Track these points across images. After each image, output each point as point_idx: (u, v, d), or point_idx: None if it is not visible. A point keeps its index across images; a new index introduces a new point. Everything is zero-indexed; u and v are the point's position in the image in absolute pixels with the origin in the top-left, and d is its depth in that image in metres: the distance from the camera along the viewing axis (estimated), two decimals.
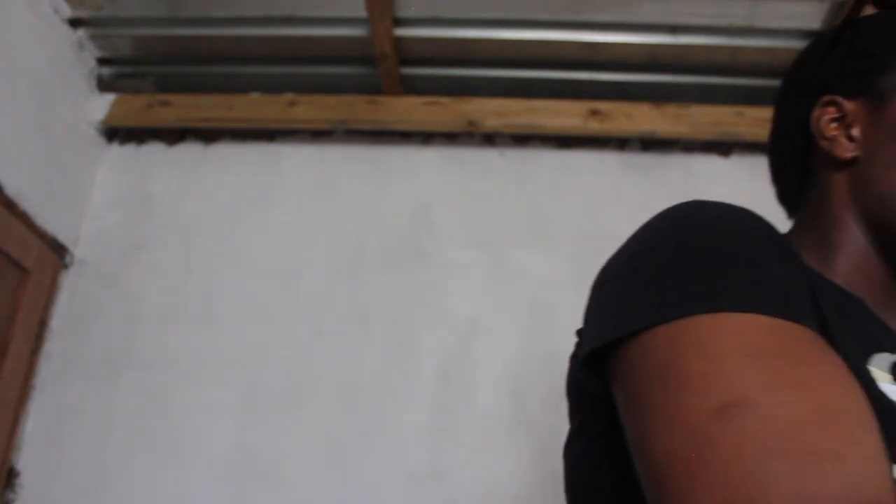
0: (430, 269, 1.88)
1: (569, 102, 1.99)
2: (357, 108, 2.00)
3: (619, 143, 2.03)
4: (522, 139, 2.04)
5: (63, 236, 1.88)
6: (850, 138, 0.62)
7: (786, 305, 0.43)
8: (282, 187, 2.00)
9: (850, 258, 0.61)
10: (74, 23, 1.94)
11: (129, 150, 2.07)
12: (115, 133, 2.09)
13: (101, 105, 2.05)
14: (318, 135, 2.06)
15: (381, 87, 2.00)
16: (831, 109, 0.64)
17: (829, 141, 0.63)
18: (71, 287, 1.89)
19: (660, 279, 0.47)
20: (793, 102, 0.70)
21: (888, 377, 0.45)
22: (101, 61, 2.06)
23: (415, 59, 1.98)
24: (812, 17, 1.79)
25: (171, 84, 2.10)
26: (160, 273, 1.90)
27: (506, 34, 1.89)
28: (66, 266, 1.90)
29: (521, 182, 1.99)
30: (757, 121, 1.92)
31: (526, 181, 1.99)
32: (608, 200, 1.93)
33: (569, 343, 0.63)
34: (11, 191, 1.70)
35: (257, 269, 1.89)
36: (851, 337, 0.48)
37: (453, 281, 1.87)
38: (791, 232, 0.68)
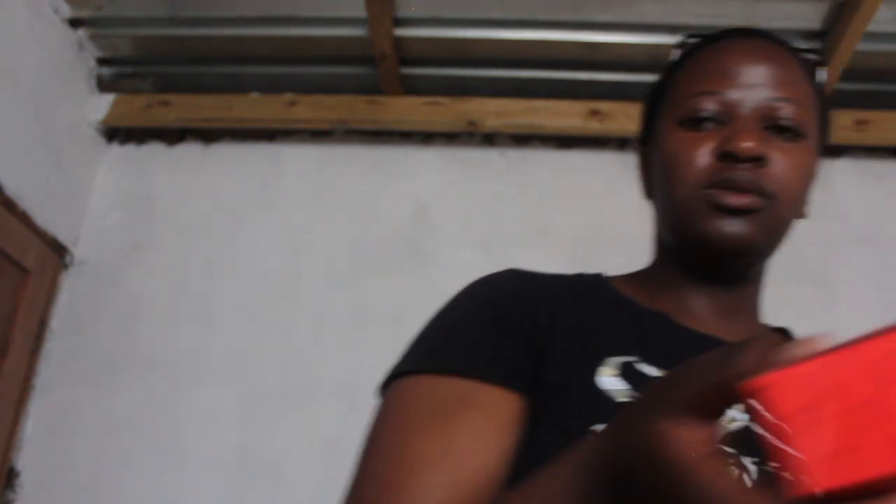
0: (430, 269, 1.88)
1: (569, 102, 1.99)
2: (357, 108, 2.00)
3: (619, 143, 2.03)
4: (522, 139, 2.04)
5: (63, 236, 1.88)
6: (647, 180, 0.71)
7: (463, 364, 0.56)
8: (282, 187, 2.00)
9: (658, 280, 0.67)
10: (74, 23, 1.94)
11: (129, 150, 2.07)
12: (115, 133, 2.09)
13: (101, 105, 2.04)
14: (318, 135, 2.06)
15: (381, 87, 2.00)
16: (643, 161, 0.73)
17: (642, 189, 0.72)
18: (71, 287, 1.89)
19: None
20: None
21: (613, 371, 0.55)
22: (101, 61, 2.06)
23: (415, 59, 1.98)
24: (812, 17, 1.79)
25: (171, 84, 2.10)
26: (160, 273, 1.90)
27: (506, 34, 1.89)
28: (66, 266, 1.90)
29: (521, 182, 1.99)
30: None
31: (526, 181, 1.99)
32: (608, 200, 1.93)
33: None
34: (11, 191, 1.70)
35: (257, 269, 1.89)
36: (610, 346, 0.57)
37: (453, 281, 1.85)
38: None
